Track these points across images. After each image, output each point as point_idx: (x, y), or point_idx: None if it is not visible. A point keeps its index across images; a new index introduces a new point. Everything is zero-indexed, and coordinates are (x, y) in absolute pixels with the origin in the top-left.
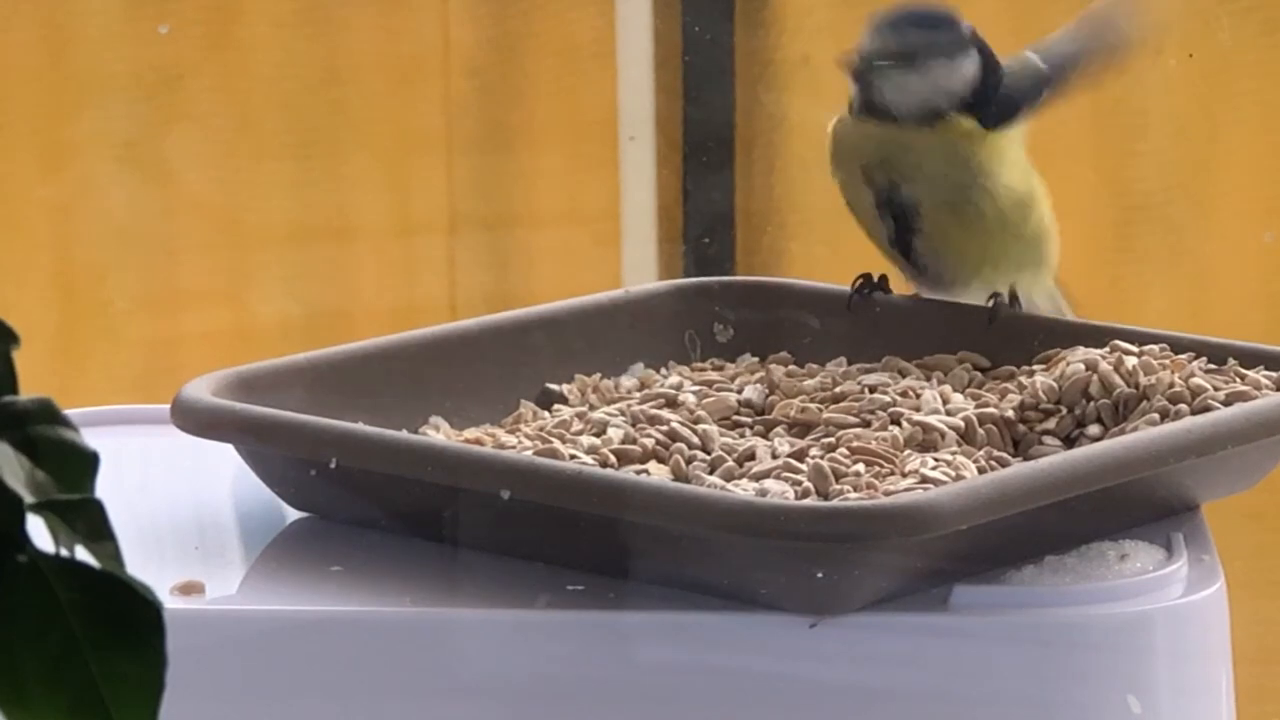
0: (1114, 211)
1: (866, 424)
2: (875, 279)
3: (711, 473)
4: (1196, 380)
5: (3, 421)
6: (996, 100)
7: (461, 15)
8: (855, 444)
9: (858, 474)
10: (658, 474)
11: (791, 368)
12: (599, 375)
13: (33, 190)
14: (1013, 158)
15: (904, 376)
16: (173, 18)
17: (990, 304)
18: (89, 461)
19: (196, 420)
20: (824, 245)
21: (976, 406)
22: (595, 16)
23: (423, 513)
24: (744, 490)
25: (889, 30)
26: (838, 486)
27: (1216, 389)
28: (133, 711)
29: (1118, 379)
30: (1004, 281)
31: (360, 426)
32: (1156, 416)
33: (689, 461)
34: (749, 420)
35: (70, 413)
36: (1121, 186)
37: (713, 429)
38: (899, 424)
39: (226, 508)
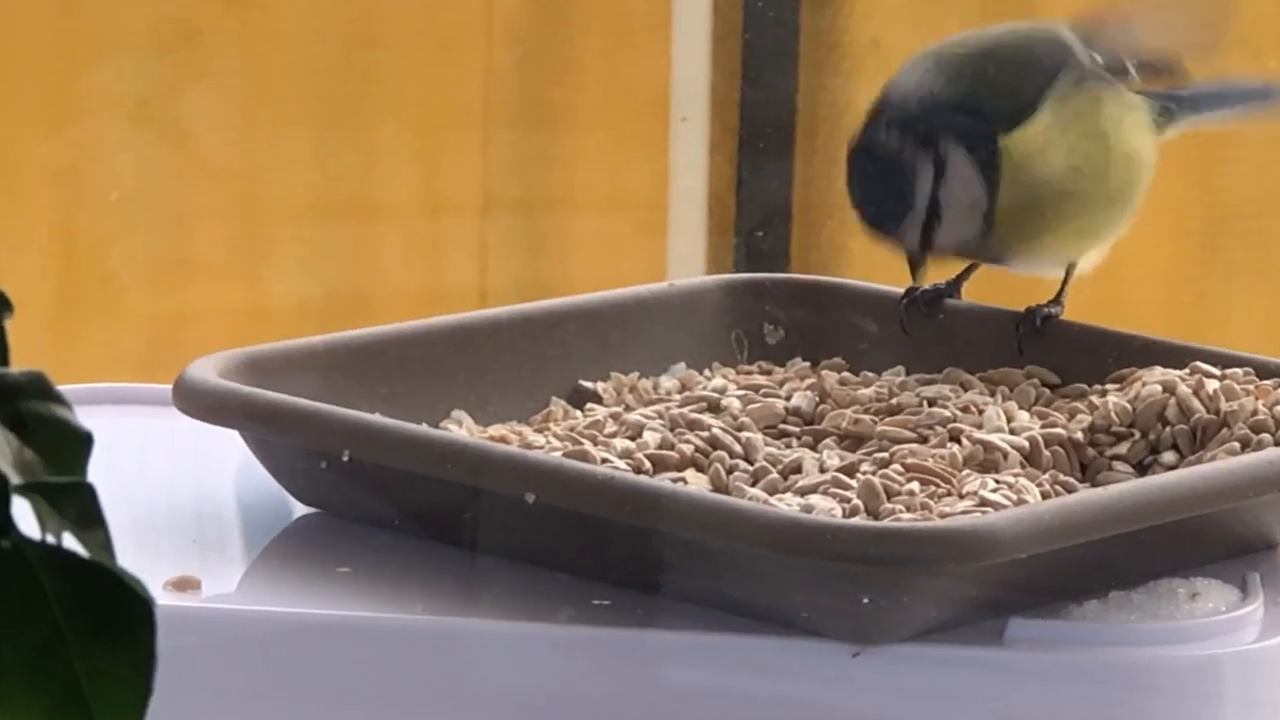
0: (1201, 222)
1: (923, 440)
2: (925, 292)
3: (754, 485)
4: None
5: None
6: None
7: None
8: (910, 461)
9: (911, 493)
10: (696, 483)
11: (845, 375)
12: (637, 374)
13: (36, 149)
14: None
15: (966, 390)
16: None
17: (1022, 321)
18: (82, 442)
19: (200, 403)
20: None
21: (1043, 426)
22: None
23: (440, 513)
24: (788, 505)
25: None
26: (889, 505)
27: None
28: (117, 714)
29: (1197, 403)
30: (1063, 258)
31: (377, 418)
32: (1237, 445)
33: (730, 471)
34: (797, 430)
35: (65, 389)
36: (1210, 195)
37: (757, 438)
38: (958, 441)
39: (228, 499)
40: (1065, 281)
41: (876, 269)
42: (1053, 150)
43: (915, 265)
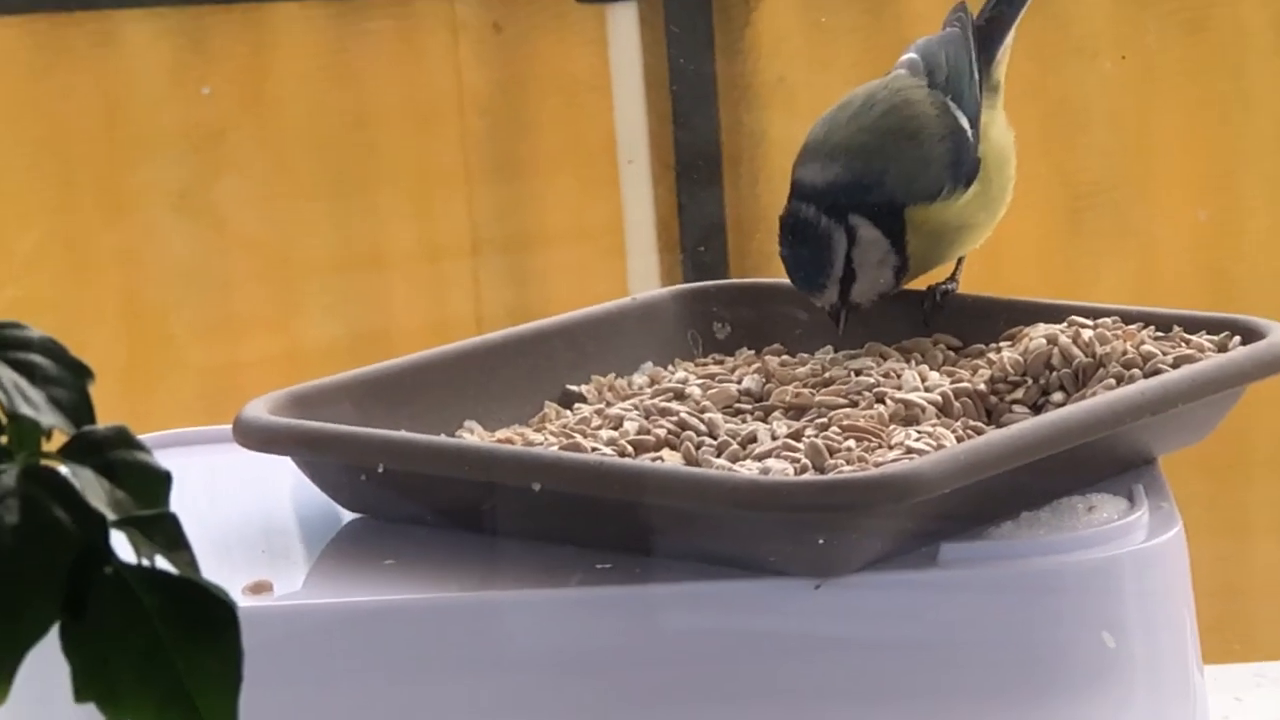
0: (1064, 199)
1: (854, 404)
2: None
3: (719, 456)
4: (1147, 347)
5: (84, 449)
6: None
7: (472, 61)
8: (845, 422)
9: (849, 449)
10: (671, 460)
11: (784, 358)
12: (613, 375)
13: (99, 238)
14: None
15: (885, 360)
16: (213, 79)
17: (926, 299)
18: (163, 480)
19: (256, 437)
20: None
21: (952, 383)
22: (590, 55)
23: (463, 508)
24: (749, 470)
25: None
26: (832, 461)
27: (1165, 354)
28: (216, 702)
29: (1076, 350)
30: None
31: (403, 434)
32: (1113, 381)
33: (698, 447)
34: (749, 407)
35: (143, 437)
36: (1070, 176)
37: (718, 417)
38: (883, 402)
39: (288, 514)
40: (958, 265)
41: None
42: (954, 211)
43: (836, 318)
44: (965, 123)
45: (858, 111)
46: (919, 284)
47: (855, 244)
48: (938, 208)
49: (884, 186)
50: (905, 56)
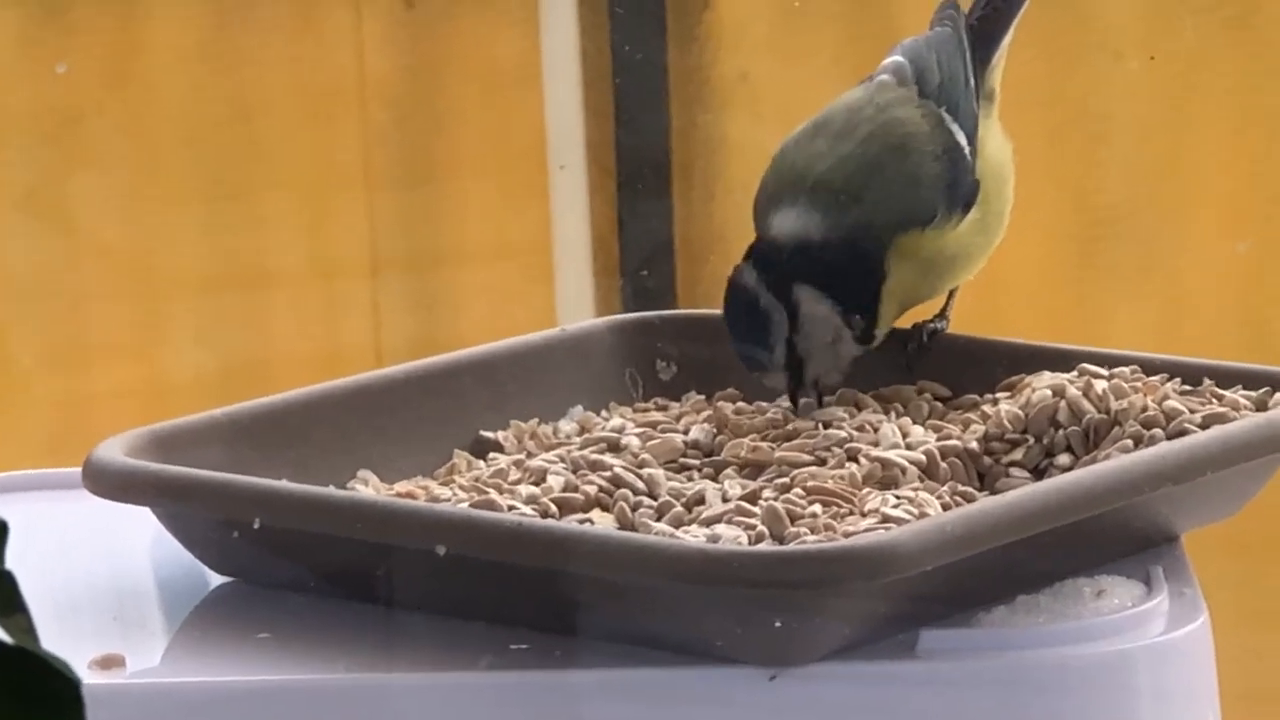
0: (1076, 226)
1: (822, 462)
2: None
3: (659, 519)
4: (1171, 403)
5: None
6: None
7: (377, 41)
8: (811, 484)
9: (814, 515)
10: (602, 523)
11: (740, 405)
12: (536, 420)
13: None
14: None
15: (860, 410)
16: (71, 55)
17: (910, 339)
18: None
19: (110, 483)
20: None
21: (938, 439)
22: (519, 38)
23: (354, 573)
24: (694, 537)
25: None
26: (794, 529)
27: (1193, 412)
28: None
29: (1087, 404)
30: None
31: (284, 484)
32: (1130, 443)
33: (635, 508)
34: (697, 462)
35: None
36: (1084, 199)
37: (659, 473)
38: (856, 461)
39: (145, 575)
40: (949, 298)
41: None
42: (950, 238)
43: (794, 402)
44: (962, 138)
45: (839, 135)
46: (903, 321)
47: (797, 327)
48: (931, 235)
49: (863, 225)
50: (889, 60)
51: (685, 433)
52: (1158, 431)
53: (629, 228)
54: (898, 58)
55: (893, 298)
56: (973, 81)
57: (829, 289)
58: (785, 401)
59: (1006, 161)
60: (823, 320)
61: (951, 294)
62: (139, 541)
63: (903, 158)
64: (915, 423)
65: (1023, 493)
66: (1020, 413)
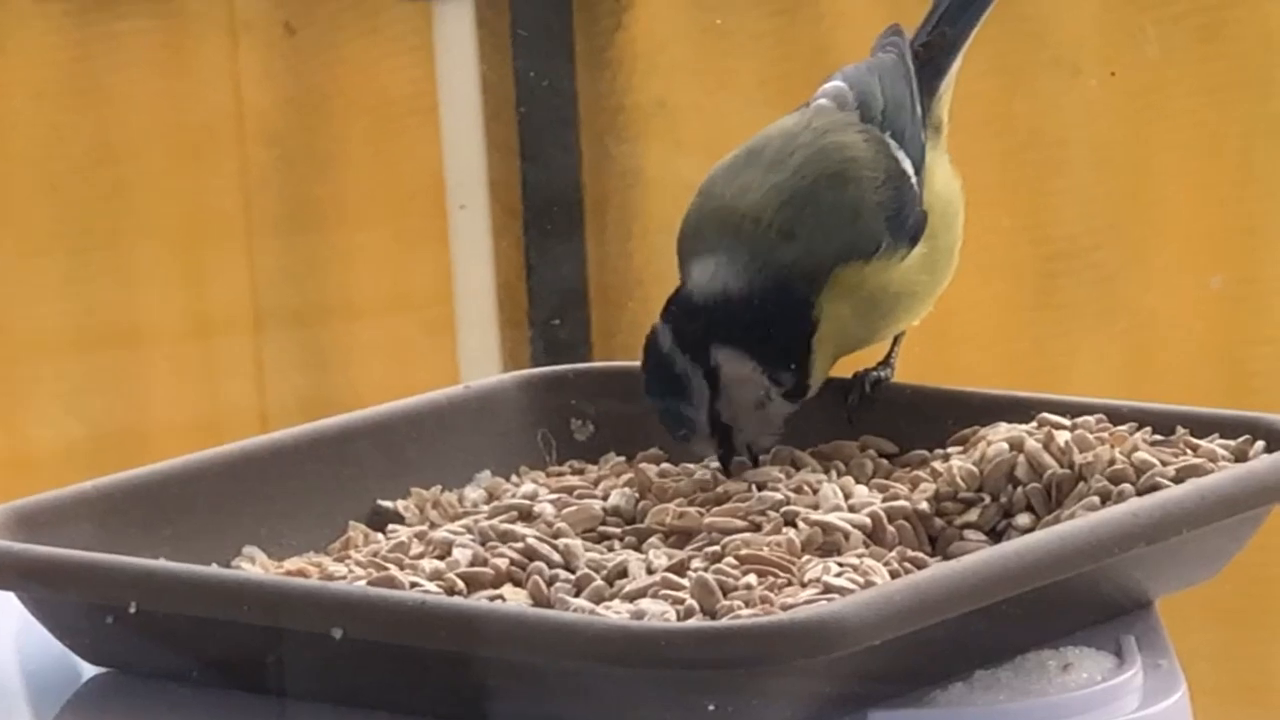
0: (1032, 261)
1: (756, 528)
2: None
3: (578, 594)
4: (1141, 455)
5: None
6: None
7: (255, 73)
8: (744, 552)
9: (749, 586)
10: (515, 599)
11: (665, 466)
12: (439, 488)
13: None
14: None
15: (797, 469)
16: None
17: (850, 389)
18: None
19: None
20: None
21: (884, 500)
22: (412, 66)
23: (242, 661)
24: (617, 613)
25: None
26: (727, 603)
27: (1165, 464)
28: None
29: (1048, 458)
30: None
31: (162, 564)
32: (1096, 500)
33: (550, 583)
34: (618, 531)
35: None
36: (1039, 231)
37: (576, 544)
38: (794, 525)
39: (9, 667)
40: (894, 345)
41: None
42: (895, 273)
43: (724, 466)
44: (909, 166)
45: (771, 163)
46: (843, 369)
47: (719, 392)
48: (875, 268)
49: (796, 264)
50: (829, 85)
51: (604, 498)
52: (1127, 487)
53: (538, 273)
54: (838, 82)
55: (826, 345)
56: (919, 110)
57: (750, 347)
58: (715, 462)
59: (956, 196)
60: (747, 382)
61: (896, 340)
62: (2, 630)
63: (842, 185)
64: (859, 482)
65: (979, 557)
66: (974, 469)
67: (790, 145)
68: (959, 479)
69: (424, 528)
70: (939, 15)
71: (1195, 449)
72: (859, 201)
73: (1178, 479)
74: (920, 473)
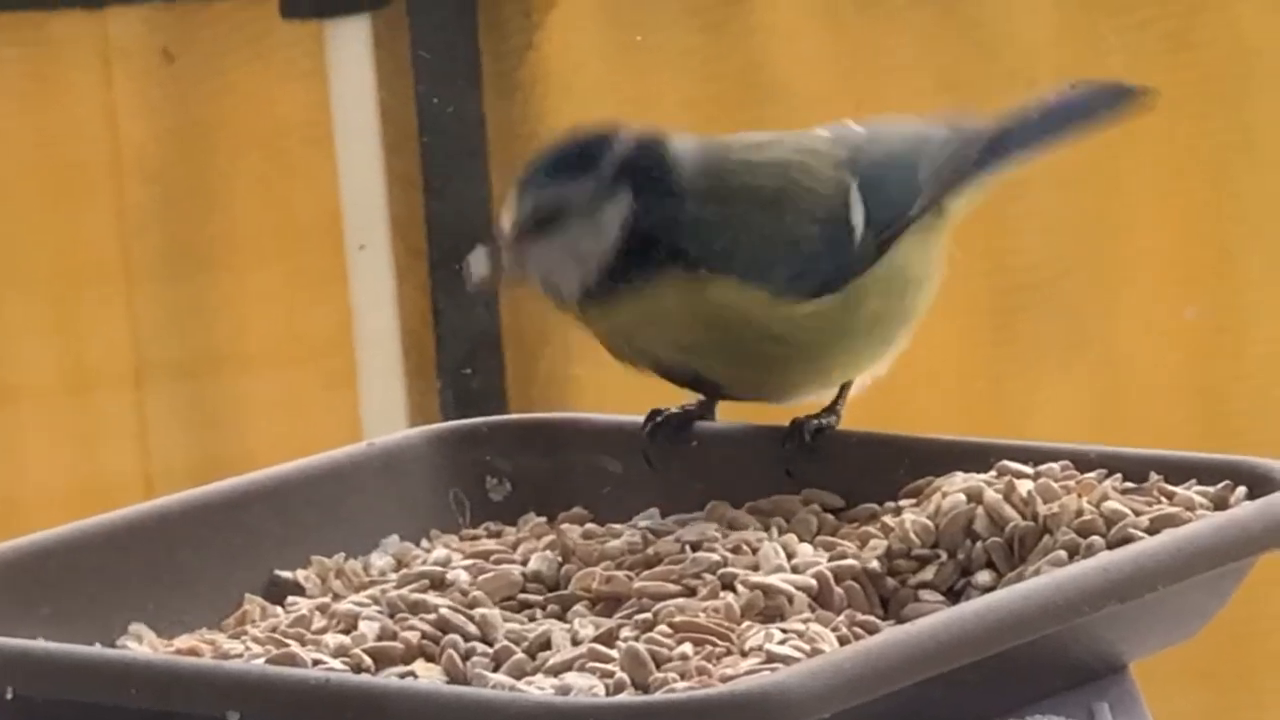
0: (990, 294)
1: (691, 592)
2: (676, 415)
3: (496, 669)
4: (1111, 505)
5: None
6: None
7: (131, 104)
8: (679, 619)
9: (684, 657)
10: (428, 676)
11: (590, 526)
12: (342, 555)
13: None
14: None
15: (735, 528)
16: None
17: (789, 438)
18: None
19: None
20: (617, 368)
21: (831, 559)
22: (304, 92)
23: None
24: (540, 689)
25: (521, 190)
26: (660, 675)
27: (1138, 514)
28: None
29: (1009, 510)
30: (837, 384)
31: (41, 644)
32: (1063, 554)
33: (467, 657)
34: (540, 598)
35: None
36: (998, 261)
37: (494, 614)
38: (733, 589)
39: None
40: (841, 392)
41: (609, 398)
42: (777, 314)
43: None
44: (859, 219)
45: (732, 151)
46: (782, 415)
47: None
48: (750, 297)
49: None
50: (847, 121)
51: (524, 563)
52: (1096, 539)
53: (446, 318)
54: (853, 124)
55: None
56: (922, 187)
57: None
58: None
59: (917, 280)
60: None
61: (843, 389)
62: None
63: (767, 205)
64: (802, 540)
65: (936, 620)
66: (929, 523)
67: (753, 145)
68: (912, 534)
69: (326, 599)
70: (1014, 125)
71: (1171, 497)
72: (778, 226)
73: (1152, 530)
74: (870, 528)
